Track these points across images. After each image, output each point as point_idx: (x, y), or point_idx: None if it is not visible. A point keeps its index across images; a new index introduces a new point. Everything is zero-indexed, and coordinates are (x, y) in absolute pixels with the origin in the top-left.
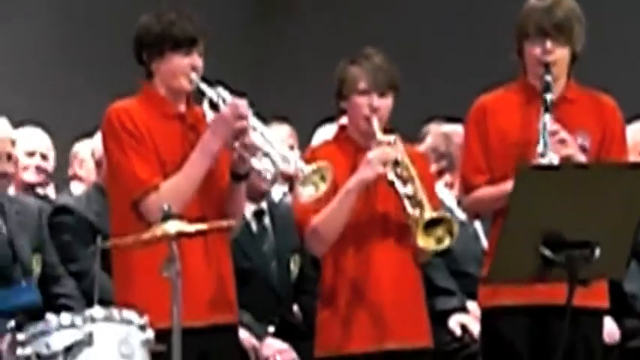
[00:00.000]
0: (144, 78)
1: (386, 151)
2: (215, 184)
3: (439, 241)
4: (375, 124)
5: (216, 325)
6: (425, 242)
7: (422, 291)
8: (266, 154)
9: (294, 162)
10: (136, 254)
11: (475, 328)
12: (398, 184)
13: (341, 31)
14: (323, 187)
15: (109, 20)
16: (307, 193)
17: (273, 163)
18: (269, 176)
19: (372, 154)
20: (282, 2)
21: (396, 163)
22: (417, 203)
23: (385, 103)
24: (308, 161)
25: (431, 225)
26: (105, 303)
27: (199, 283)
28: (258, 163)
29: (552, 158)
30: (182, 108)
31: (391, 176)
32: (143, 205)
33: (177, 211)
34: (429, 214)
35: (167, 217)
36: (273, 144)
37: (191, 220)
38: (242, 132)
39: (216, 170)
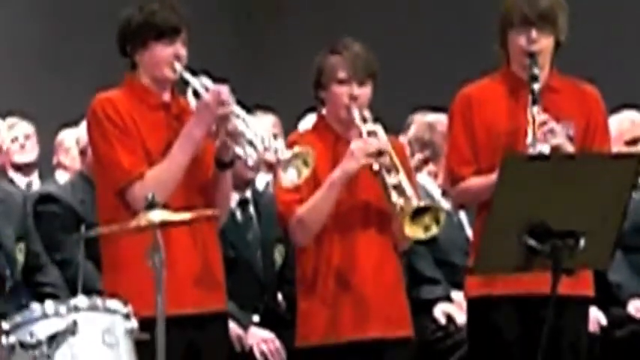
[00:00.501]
0: (128, 69)
1: (369, 142)
2: (200, 173)
3: (426, 229)
4: (356, 113)
5: (205, 313)
6: (412, 231)
7: (402, 280)
8: (249, 141)
9: (275, 147)
10: (123, 243)
11: (460, 317)
12: (383, 174)
13: (329, 22)
14: (306, 172)
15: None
16: (289, 178)
17: (255, 148)
18: (251, 162)
19: (355, 146)
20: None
21: (380, 153)
22: (402, 192)
23: (364, 92)
24: (289, 147)
25: (417, 214)
26: (89, 292)
27: (187, 271)
28: (240, 150)
29: (542, 148)
30: (167, 97)
31: (376, 166)
32: (128, 193)
33: (162, 200)
34: (415, 202)
35: (151, 205)
36: (255, 130)
37: (177, 209)
38: (224, 118)
39: (201, 159)
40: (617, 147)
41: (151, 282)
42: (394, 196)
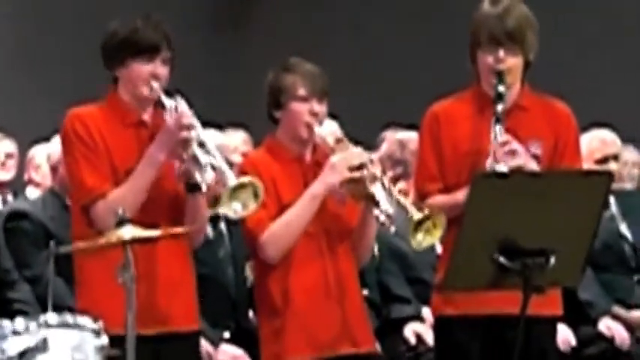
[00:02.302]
0: (103, 83)
1: (350, 154)
2: (165, 193)
3: (427, 235)
4: (320, 131)
5: (175, 332)
6: (417, 241)
7: (362, 296)
8: (202, 166)
9: (226, 175)
10: (94, 259)
11: (430, 337)
12: (367, 186)
13: (301, 39)
14: (252, 206)
15: (66, 25)
16: (233, 208)
17: (209, 173)
18: (204, 188)
19: (336, 159)
20: (243, 10)
21: (361, 167)
22: (397, 204)
23: (323, 109)
24: (244, 171)
25: (418, 224)
26: (59, 308)
27: (157, 290)
28: (198, 175)
29: (502, 169)
30: (146, 116)
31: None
32: (91, 211)
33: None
34: (417, 215)
35: (121, 222)
36: (213, 154)
37: (142, 227)
38: (185, 143)
39: (165, 179)
40: (587, 165)
41: (122, 299)
42: (380, 208)
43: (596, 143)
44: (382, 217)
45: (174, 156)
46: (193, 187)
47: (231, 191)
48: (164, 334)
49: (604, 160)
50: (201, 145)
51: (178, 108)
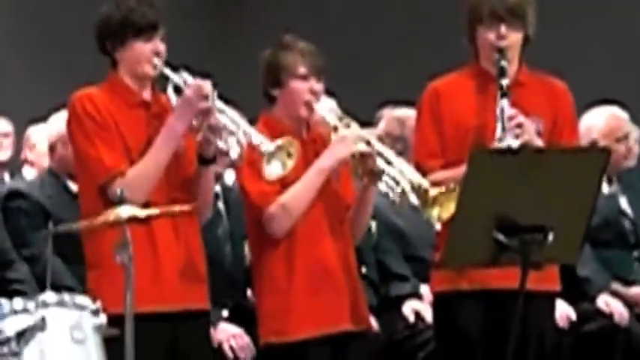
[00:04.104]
0: (98, 65)
1: (358, 129)
2: (182, 168)
3: (441, 209)
4: (321, 109)
5: (188, 310)
6: (432, 214)
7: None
8: (231, 134)
9: (258, 140)
10: (102, 240)
11: (428, 314)
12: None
13: (294, 19)
14: (290, 164)
15: (62, 5)
16: (274, 171)
17: (239, 142)
18: (234, 155)
19: (346, 132)
20: None
21: (368, 143)
22: (409, 182)
23: (321, 88)
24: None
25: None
26: (57, 288)
27: (171, 267)
28: (223, 143)
29: (511, 142)
30: (147, 95)
31: (383, 154)
32: (110, 190)
33: (144, 195)
34: (433, 191)
35: (120, 201)
36: (238, 123)
37: (159, 204)
38: (206, 113)
39: (183, 154)
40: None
41: (139, 278)
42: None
43: (614, 121)
44: (392, 194)
45: (194, 127)
46: (208, 160)
47: (269, 154)
48: (181, 311)
49: (624, 138)
50: (222, 112)
51: (187, 81)
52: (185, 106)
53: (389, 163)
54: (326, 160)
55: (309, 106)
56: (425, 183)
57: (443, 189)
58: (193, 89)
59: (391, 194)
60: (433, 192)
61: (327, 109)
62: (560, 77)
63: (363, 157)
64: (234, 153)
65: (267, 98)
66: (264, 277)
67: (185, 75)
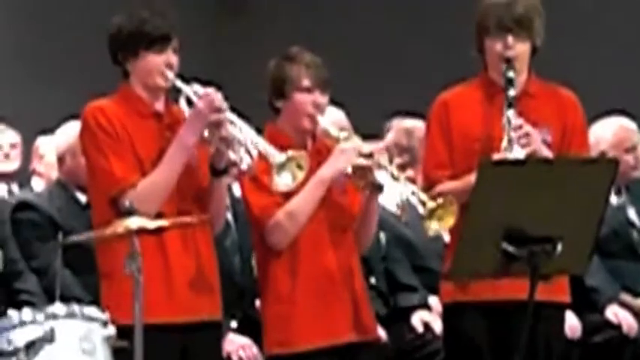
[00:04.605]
0: (120, 77)
1: (359, 142)
2: (195, 180)
3: (440, 222)
4: (323, 121)
5: (199, 321)
6: (432, 227)
7: (366, 284)
8: (241, 145)
9: (268, 151)
10: (114, 252)
11: (437, 325)
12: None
13: (301, 28)
14: (300, 176)
15: (71, 15)
16: (284, 182)
17: (249, 153)
18: (245, 167)
19: (347, 144)
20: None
21: (369, 155)
22: (411, 194)
23: (326, 100)
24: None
25: (432, 212)
26: (66, 299)
27: (182, 278)
28: (234, 155)
29: (517, 153)
30: (159, 107)
31: (383, 166)
32: (121, 202)
33: (155, 207)
34: (431, 203)
35: (130, 212)
36: (249, 135)
37: (171, 216)
38: (218, 124)
39: (196, 166)
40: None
41: (152, 290)
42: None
43: (623, 132)
44: (392, 207)
45: (205, 139)
46: (220, 171)
47: (279, 166)
48: (193, 323)
49: (633, 149)
50: (232, 124)
51: (198, 93)
52: (196, 118)
53: (391, 176)
54: (326, 171)
55: (312, 118)
56: (423, 197)
57: (441, 201)
58: (204, 101)
59: (392, 207)
60: (430, 205)
61: (329, 121)
62: (568, 88)
63: (362, 169)
64: (245, 164)
65: (271, 109)
66: (268, 287)
67: (196, 87)
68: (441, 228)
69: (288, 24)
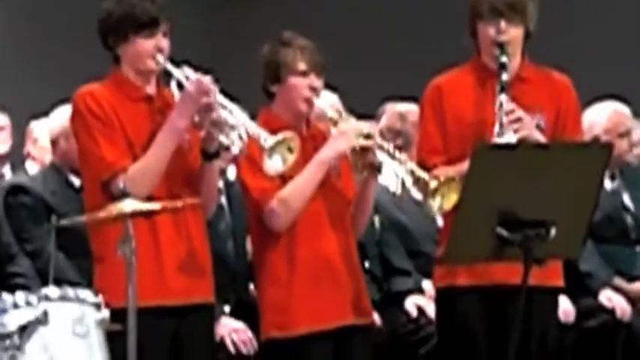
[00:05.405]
0: (100, 60)
1: (358, 124)
2: (186, 164)
3: (443, 199)
4: (319, 104)
5: (191, 304)
6: (434, 205)
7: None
8: (232, 128)
9: (259, 134)
10: (107, 235)
11: (431, 309)
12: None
13: (297, 13)
14: (291, 159)
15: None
16: (274, 165)
17: (240, 136)
18: (236, 150)
19: (347, 126)
20: None
21: (368, 137)
22: (411, 173)
23: (321, 84)
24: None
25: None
26: (60, 282)
27: (173, 261)
28: (225, 138)
29: (509, 137)
30: (150, 90)
31: (383, 147)
32: (112, 186)
33: (146, 191)
34: (433, 183)
35: (123, 196)
36: (239, 118)
37: (162, 200)
38: (208, 108)
39: (187, 150)
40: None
41: (145, 272)
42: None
43: (617, 116)
44: (392, 188)
45: (196, 122)
46: (211, 155)
47: (270, 148)
48: (185, 306)
49: (626, 133)
50: (223, 107)
51: (189, 76)
52: (186, 102)
53: (390, 156)
54: (326, 153)
55: (308, 102)
56: (425, 175)
57: (442, 179)
58: (195, 85)
59: (392, 187)
60: (433, 184)
61: (326, 103)
62: (562, 73)
63: (363, 150)
64: (236, 148)
65: (266, 94)
66: (265, 271)
67: (187, 70)
68: (444, 205)
69: (283, 9)
